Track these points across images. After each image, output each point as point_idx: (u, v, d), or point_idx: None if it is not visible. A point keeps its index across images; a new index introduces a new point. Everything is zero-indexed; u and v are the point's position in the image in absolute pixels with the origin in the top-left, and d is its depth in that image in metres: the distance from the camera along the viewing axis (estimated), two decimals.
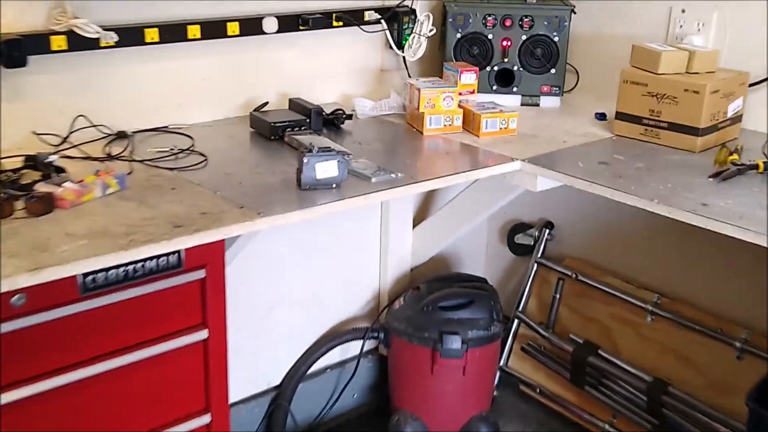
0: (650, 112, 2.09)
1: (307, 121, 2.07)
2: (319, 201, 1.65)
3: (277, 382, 2.51)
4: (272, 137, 2.03)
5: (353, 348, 2.62)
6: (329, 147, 1.75)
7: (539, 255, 2.76)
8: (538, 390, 2.70)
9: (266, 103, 2.18)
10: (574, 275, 2.63)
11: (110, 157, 1.84)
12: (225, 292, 1.63)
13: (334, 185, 1.70)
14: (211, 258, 1.56)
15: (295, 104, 2.19)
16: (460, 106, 2.17)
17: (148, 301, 1.52)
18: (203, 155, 1.88)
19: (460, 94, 2.19)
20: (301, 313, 2.49)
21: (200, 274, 1.58)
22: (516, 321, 2.78)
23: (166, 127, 2.10)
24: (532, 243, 2.79)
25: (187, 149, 1.92)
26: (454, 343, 2.39)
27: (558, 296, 2.66)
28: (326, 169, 1.69)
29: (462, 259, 2.91)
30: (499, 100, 2.38)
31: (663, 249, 2.45)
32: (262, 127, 2.07)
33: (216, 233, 1.47)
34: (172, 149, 1.91)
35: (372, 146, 2.04)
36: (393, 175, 1.78)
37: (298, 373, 2.52)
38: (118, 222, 1.47)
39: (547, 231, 2.75)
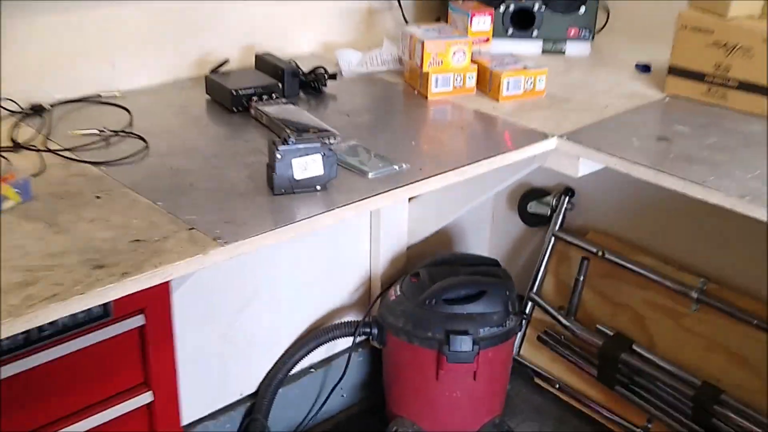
0: (716, 67, 1.64)
1: (279, 85, 1.60)
2: (300, 212, 1.20)
3: (252, 391, 2.10)
4: (234, 108, 1.56)
5: (341, 342, 2.21)
6: (311, 131, 1.30)
7: (557, 227, 2.34)
8: (557, 386, 2.32)
9: (226, 61, 1.70)
10: (599, 252, 2.22)
11: (15, 146, 1.37)
12: (173, 339, 1.20)
13: (318, 187, 1.25)
14: (153, 299, 1.12)
15: (263, 62, 1.71)
16: (473, 61, 1.71)
17: (66, 364, 1.09)
18: (142, 139, 1.42)
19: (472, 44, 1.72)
20: (276, 306, 2.06)
21: (137, 321, 1.15)
22: (530, 303, 2.38)
23: (98, 95, 1.62)
24: (549, 212, 2.37)
25: (121, 131, 1.45)
26: (464, 344, 1.99)
27: (581, 278, 2.25)
28: (307, 166, 1.23)
29: (465, 229, 2.49)
30: (516, 48, 1.92)
31: (711, 223, 2.04)
32: (221, 96, 1.60)
33: (153, 276, 1.03)
34: (101, 131, 1.44)
35: (363, 119, 1.58)
36: (396, 167, 1.34)
37: (275, 379, 2.11)
38: (11, 263, 1.02)
39: (567, 198, 2.32)
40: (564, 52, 2.00)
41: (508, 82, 1.66)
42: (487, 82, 1.70)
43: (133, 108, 1.57)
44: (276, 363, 2.11)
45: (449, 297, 2.02)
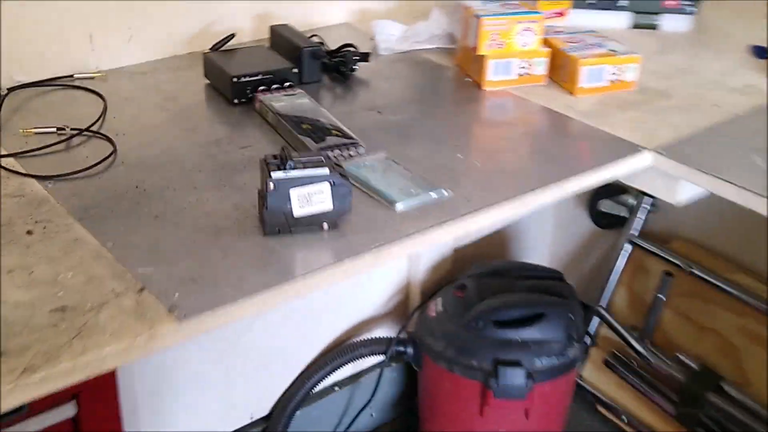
0: None
1: (295, 70, 1.26)
2: (295, 265, 0.87)
3: (264, 413, 1.81)
4: (235, 100, 1.23)
5: (371, 357, 1.90)
6: (327, 139, 0.97)
7: (635, 232, 1.97)
8: (624, 418, 1.97)
9: (231, 36, 1.36)
10: (685, 266, 1.85)
11: None
12: (121, 428, 0.89)
13: (325, 225, 0.92)
14: (90, 381, 0.81)
15: (279, 37, 1.37)
16: (545, 43, 1.34)
17: None
18: (111, 142, 1.10)
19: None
20: (293, 316, 1.75)
21: (67, 410, 0.84)
22: (596, 319, 2.03)
23: (70, 76, 1.30)
24: (626, 213, 2.00)
25: (86, 129, 1.13)
26: (515, 377, 1.65)
27: (662, 296, 1.89)
28: (311, 198, 0.90)
29: (522, 228, 2.13)
30: (598, 21, 1.54)
31: None
32: (221, 82, 1.27)
33: (68, 374, 0.72)
34: (60, 130, 1.12)
35: (398, 117, 1.23)
36: (434, 194, 0.99)
37: (293, 400, 1.81)
38: None
39: (649, 199, 1.94)
40: (656, 27, 1.61)
41: (589, 72, 1.29)
42: (560, 69, 1.33)
43: (111, 94, 1.25)
44: (294, 382, 1.81)
45: (500, 319, 1.68)
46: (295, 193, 0.89)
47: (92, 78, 1.31)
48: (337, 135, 1.10)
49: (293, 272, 0.86)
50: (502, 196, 1.00)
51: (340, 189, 0.91)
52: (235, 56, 1.30)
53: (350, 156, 1.07)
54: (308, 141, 1.08)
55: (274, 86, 1.24)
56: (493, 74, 1.31)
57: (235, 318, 0.81)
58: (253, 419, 1.80)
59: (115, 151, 1.08)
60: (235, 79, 1.21)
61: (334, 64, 1.34)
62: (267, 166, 0.90)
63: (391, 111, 1.24)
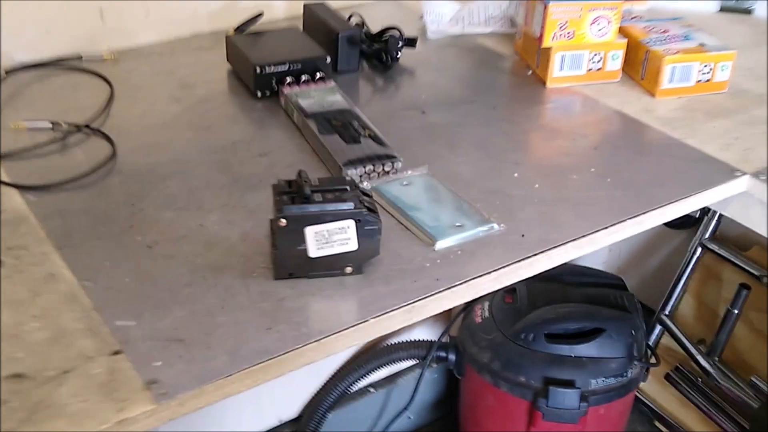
0: None
1: (327, 59, 1.09)
2: (311, 324, 0.71)
3: (293, 416, 1.68)
4: (258, 93, 1.07)
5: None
6: (352, 164, 0.80)
7: (707, 234, 1.76)
8: None
9: (259, 15, 1.19)
10: (765, 277, 1.65)
11: None
12: None
13: (348, 269, 0.76)
14: None
15: (313, 18, 1.20)
16: (621, 32, 1.14)
17: None
18: (110, 141, 0.95)
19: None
20: None
21: None
22: (658, 327, 1.84)
23: (78, 57, 1.15)
24: (697, 212, 1.79)
25: (84, 125, 0.98)
26: (567, 399, 1.48)
27: (736, 310, 1.69)
28: (331, 237, 0.74)
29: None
30: (681, 4, 1.33)
31: None
32: (243, 70, 1.10)
33: None
34: (56, 125, 0.98)
35: (445, 120, 1.06)
36: (482, 229, 0.82)
37: (325, 402, 1.67)
38: None
39: None
40: (751, 12, 1.39)
41: (674, 70, 1.09)
42: (638, 64, 1.13)
43: (120, 80, 1.10)
44: (325, 384, 1.68)
45: (553, 332, 1.50)
46: (311, 232, 0.73)
47: (102, 60, 1.16)
48: (371, 143, 0.93)
49: (305, 334, 0.70)
50: (564, 234, 0.83)
51: (368, 227, 0.74)
52: (262, 40, 1.13)
53: (384, 172, 0.91)
54: (335, 149, 0.91)
55: (304, 78, 1.07)
56: (559, 69, 1.12)
57: (225, 395, 0.65)
58: (282, 422, 1.67)
59: (113, 156, 0.93)
60: (258, 69, 1.05)
61: (375, 51, 1.16)
62: (279, 197, 0.73)
63: (438, 111, 1.07)
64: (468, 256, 0.79)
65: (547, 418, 1.49)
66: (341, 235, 0.74)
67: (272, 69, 1.05)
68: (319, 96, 1.03)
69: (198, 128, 1.01)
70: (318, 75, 1.08)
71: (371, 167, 0.90)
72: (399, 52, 1.16)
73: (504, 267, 0.78)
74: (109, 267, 0.76)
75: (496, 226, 0.83)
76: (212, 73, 1.15)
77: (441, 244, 0.80)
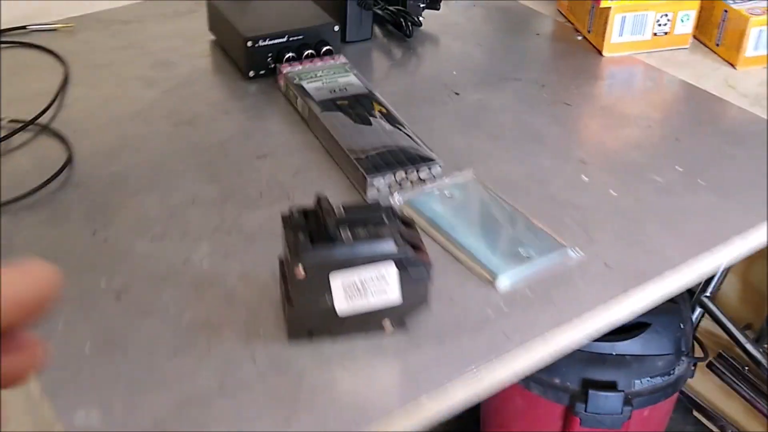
0: None
1: (335, 29, 0.88)
2: (340, 408, 0.52)
3: None
4: (251, 73, 0.86)
5: None
6: (379, 172, 0.61)
7: None
8: (724, 429, 1.64)
9: None
10: None
11: None
12: None
13: (387, 324, 0.56)
14: None
15: None
16: None
17: None
18: (65, 143, 0.75)
19: None
20: None
21: None
22: (698, 310, 1.67)
23: (23, 27, 0.94)
24: None
25: (30, 122, 0.77)
26: (609, 403, 1.32)
27: None
28: (366, 287, 0.54)
29: None
30: None
31: None
32: (231, 45, 0.89)
33: None
34: None
35: (483, 102, 0.85)
36: (555, 257, 0.63)
37: None
38: None
39: None
40: None
41: (760, 34, 0.89)
42: (713, 26, 0.93)
43: (77, 57, 0.88)
44: None
45: None
46: (339, 281, 0.53)
47: (54, 30, 0.94)
48: (400, 141, 0.73)
49: (334, 424, 0.51)
50: (659, 261, 0.64)
51: (414, 272, 0.54)
52: (252, 5, 0.91)
53: (420, 180, 0.71)
54: (355, 151, 0.71)
55: (307, 52, 0.86)
56: (618, 34, 0.91)
57: None
58: None
59: (69, 163, 0.72)
60: (250, 44, 0.84)
61: (392, 15, 0.95)
62: (294, 235, 0.54)
63: (473, 91, 0.86)
64: (541, 298, 0.60)
65: (585, 424, 1.33)
66: (379, 284, 0.54)
67: (267, 42, 0.84)
68: (328, 77, 0.82)
69: (178, 122, 0.80)
70: (324, 48, 0.87)
71: (403, 174, 0.70)
72: (420, 17, 0.95)
73: (589, 311, 0.59)
74: (63, 330, 0.56)
75: (572, 252, 0.64)
76: (192, 46, 0.94)
77: (504, 282, 0.61)
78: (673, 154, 0.77)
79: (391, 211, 0.57)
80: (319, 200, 0.55)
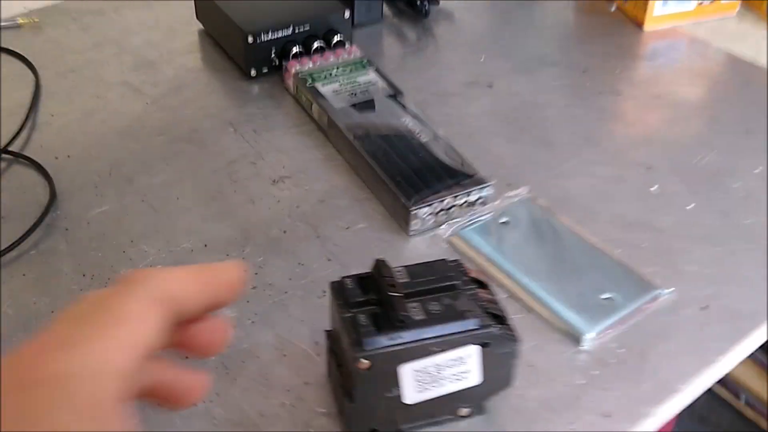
0: None
1: (346, 14, 0.76)
2: None
3: None
4: (253, 72, 0.74)
5: None
6: (422, 199, 0.51)
7: None
8: (743, 399, 1.59)
9: None
10: None
11: None
12: None
13: (464, 410, 0.47)
14: None
15: None
16: None
17: None
18: (46, 176, 0.63)
19: None
20: None
21: None
22: None
23: None
24: None
25: (3, 151, 0.65)
26: None
27: None
28: (441, 375, 0.44)
29: None
30: None
31: None
32: (227, 40, 0.77)
33: None
34: None
35: (520, 89, 0.75)
36: (644, 300, 0.53)
37: None
38: None
39: None
40: None
41: None
42: None
43: (47, 60, 0.76)
44: None
45: None
46: (409, 371, 0.44)
47: (18, 26, 0.81)
48: (438, 154, 0.62)
49: None
50: (760, 297, 0.55)
51: (500, 350, 0.45)
52: None
53: (468, 204, 0.60)
54: (390, 172, 0.61)
55: (316, 45, 0.74)
56: (662, 4, 0.81)
57: None
58: None
59: (53, 201, 0.61)
60: (251, 40, 0.72)
61: None
62: (351, 318, 0.43)
63: (507, 79, 0.76)
64: (637, 358, 0.51)
65: None
66: (457, 368, 0.44)
67: (270, 36, 0.72)
68: (345, 75, 0.71)
69: (174, 139, 0.68)
70: (335, 39, 0.75)
71: (450, 199, 0.59)
72: None
73: (694, 377, 0.50)
74: None
75: (662, 292, 0.54)
76: (176, 38, 0.81)
77: (591, 338, 0.51)
78: (746, 152, 0.67)
79: (462, 271, 0.47)
80: (379, 266, 0.45)
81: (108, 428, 0.25)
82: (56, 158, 0.65)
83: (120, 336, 0.27)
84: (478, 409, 0.48)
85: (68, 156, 0.66)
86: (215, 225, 0.60)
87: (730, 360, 0.52)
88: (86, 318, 0.28)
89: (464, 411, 0.47)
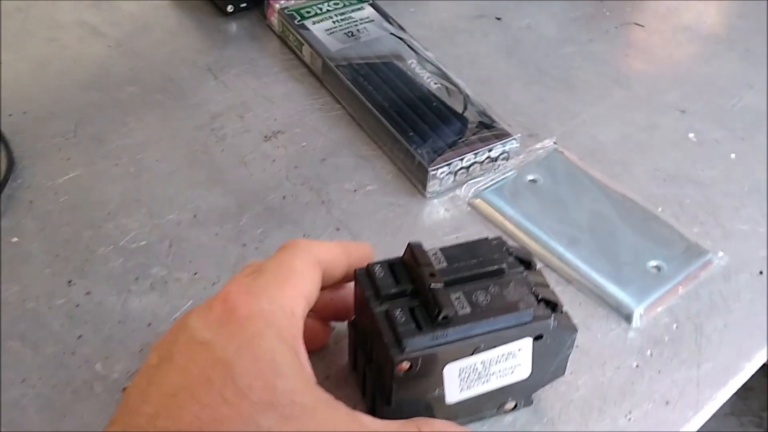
0: None
1: None
2: None
3: None
4: (230, 7, 0.65)
5: None
6: (439, 150, 0.44)
7: None
8: None
9: None
10: None
11: None
12: None
13: (511, 403, 0.41)
14: None
15: None
16: None
17: None
18: (5, 144, 0.54)
19: None
20: None
21: None
22: None
23: None
24: None
25: None
26: None
27: None
28: (488, 369, 0.38)
29: None
30: None
31: None
32: None
33: None
34: None
35: (533, 22, 0.67)
36: (696, 266, 0.48)
37: None
38: None
39: None
40: None
41: None
42: None
43: None
44: None
45: None
46: (454, 370, 0.37)
47: None
48: (453, 103, 0.55)
49: None
50: None
51: (555, 342, 0.39)
52: None
53: (491, 160, 0.53)
54: (400, 126, 0.53)
55: None
56: None
57: None
58: None
59: (11, 169, 0.52)
60: None
61: None
62: (386, 313, 0.37)
63: (516, 11, 0.68)
64: (693, 335, 0.45)
65: None
66: (506, 363, 0.38)
67: None
68: (336, 11, 0.62)
69: (148, 89, 0.60)
70: None
71: (471, 157, 0.52)
72: None
73: (757, 350, 0.45)
74: None
75: (714, 256, 0.49)
76: None
77: (641, 315, 0.46)
78: None
79: (505, 248, 0.40)
80: (413, 252, 0.38)
81: (298, 356, 0.31)
82: (10, 116, 0.57)
83: (293, 286, 0.34)
84: (525, 401, 0.42)
85: (24, 113, 0.57)
86: (204, 192, 0.52)
87: None
88: (261, 273, 0.33)
89: (510, 404, 0.41)
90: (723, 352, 0.44)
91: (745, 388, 0.45)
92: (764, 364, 0.46)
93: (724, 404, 0.44)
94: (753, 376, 0.45)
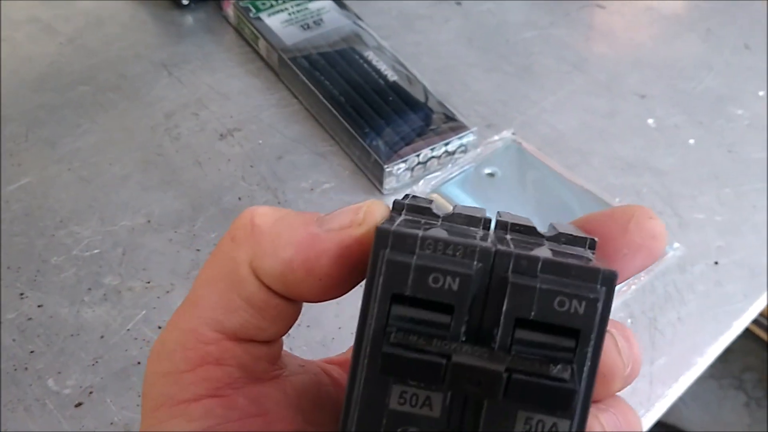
0: None
1: None
2: None
3: None
4: (184, 0, 0.64)
5: None
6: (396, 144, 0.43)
7: None
8: None
9: None
10: None
11: None
12: None
13: None
14: None
15: None
16: None
17: None
18: None
19: None
20: None
21: None
22: None
23: None
24: None
25: None
26: None
27: None
28: None
29: None
30: None
31: None
32: None
33: None
34: None
35: (494, 5, 0.66)
36: None
37: None
38: None
39: None
40: None
41: None
42: None
43: None
44: None
45: None
46: None
47: None
48: (412, 97, 0.55)
49: None
50: None
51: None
52: None
53: (447, 154, 0.53)
54: (354, 121, 0.53)
55: None
56: None
57: None
58: None
59: None
60: None
61: None
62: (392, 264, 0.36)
63: None
64: (648, 329, 0.45)
65: None
66: None
67: None
68: (293, 5, 0.61)
69: (101, 87, 0.59)
70: None
71: (428, 152, 0.52)
72: None
73: (709, 345, 0.45)
74: None
75: (668, 249, 0.49)
76: None
77: None
78: (748, 72, 0.61)
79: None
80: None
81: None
82: None
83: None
84: None
85: None
86: (158, 195, 0.51)
87: (747, 320, 0.47)
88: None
89: None
90: (676, 347, 0.45)
91: (726, 350, 0.45)
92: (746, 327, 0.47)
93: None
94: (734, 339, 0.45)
